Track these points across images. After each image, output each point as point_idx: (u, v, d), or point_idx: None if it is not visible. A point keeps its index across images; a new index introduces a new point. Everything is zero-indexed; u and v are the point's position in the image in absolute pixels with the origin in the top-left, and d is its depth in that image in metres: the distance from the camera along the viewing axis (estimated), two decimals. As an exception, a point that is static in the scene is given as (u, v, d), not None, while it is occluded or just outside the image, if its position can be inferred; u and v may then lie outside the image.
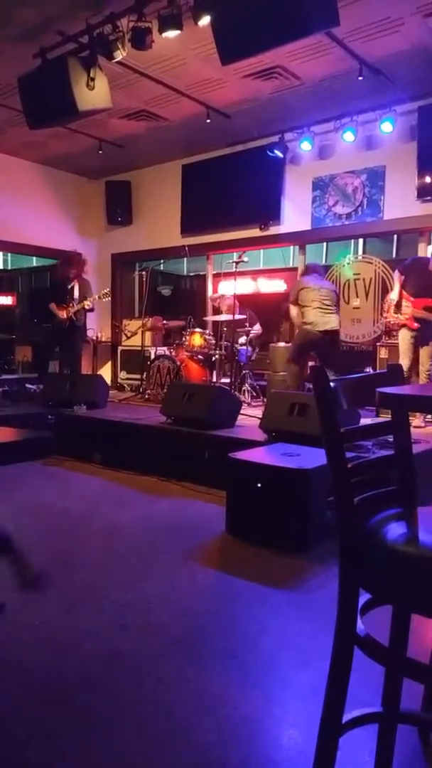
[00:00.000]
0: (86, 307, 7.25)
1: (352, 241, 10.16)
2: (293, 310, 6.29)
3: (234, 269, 6.76)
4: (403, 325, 5.69)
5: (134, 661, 2.15)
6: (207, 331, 7.32)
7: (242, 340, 7.29)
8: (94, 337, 9.28)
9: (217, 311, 7.85)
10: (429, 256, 5.76)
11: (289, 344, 7.53)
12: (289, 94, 6.39)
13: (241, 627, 2.44)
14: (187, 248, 7.70)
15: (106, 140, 7.93)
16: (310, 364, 6.91)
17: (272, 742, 1.74)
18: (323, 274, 6.67)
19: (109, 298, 7.85)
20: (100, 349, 9.48)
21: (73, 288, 7.22)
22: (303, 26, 4.20)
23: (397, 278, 5.86)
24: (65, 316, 7.11)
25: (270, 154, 7.44)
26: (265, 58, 5.42)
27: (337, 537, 1.34)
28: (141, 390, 7.55)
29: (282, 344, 7.58)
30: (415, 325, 5.60)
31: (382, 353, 6.35)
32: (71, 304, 7.13)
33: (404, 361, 5.57)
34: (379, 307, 6.79)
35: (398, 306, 5.73)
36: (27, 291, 14.34)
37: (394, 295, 5.81)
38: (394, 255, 10.49)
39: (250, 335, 7.38)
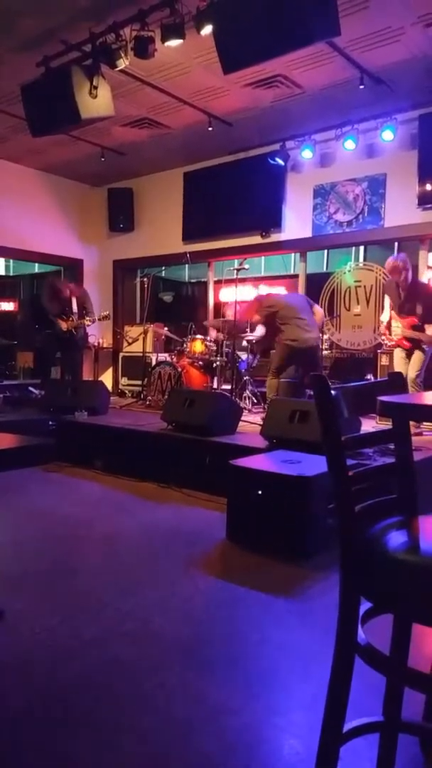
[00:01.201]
0: (87, 324, 7.28)
1: (353, 248, 10.21)
2: (260, 330, 6.38)
3: (235, 276, 6.78)
4: (398, 345, 5.82)
5: (135, 668, 2.14)
6: (208, 338, 7.33)
7: (244, 344, 7.27)
8: (96, 344, 9.29)
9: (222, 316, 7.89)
10: (390, 275, 5.83)
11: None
12: (291, 102, 6.42)
13: (241, 635, 2.43)
14: (188, 255, 7.73)
15: (108, 148, 7.97)
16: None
17: (273, 751, 1.73)
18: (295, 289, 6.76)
19: (109, 320, 7.80)
20: (101, 355, 9.49)
21: (71, 301, 7.23)
22: (304, 36, 4.23)
23: (387, 299, 6.03)
24: (65, 328, 7.12)
25: (271, 161, 7.47)
26: (267, 66, 5.45)
27: (337, 545, 1.34)
28: (142, 396, 7.55)
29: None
30: (407, 344, 5.72)
31: (383, 360, 6.35)
32: (71, 318, 7.14)
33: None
34: (377, 328, 6.85)
35: (389, 327, 5.87)
36: (29, 297, 14.39)
37: (384, 317, 5.97)
38: (395, 262, 10.51)
39: (252, 340, 7.32)
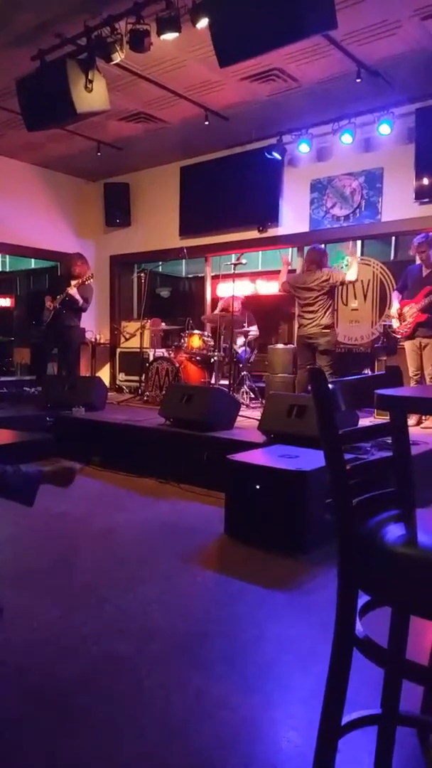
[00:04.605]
0: (70, 293, 6.92)
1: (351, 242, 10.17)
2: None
3: (232, 271, 6.77)
4: (416, 323, 5.74)
5: (134, 664, 2.14)
6: (205, 333, 7.32)
7: (240, 341, 7.29)
8: (93, 339, 9.27)
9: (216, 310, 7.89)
10: (416, 262, 5.89)
11: (288, 345, 7.56)
12: (287, 96, 6.39)
13: (240, 629, 2.44)
14: (185, 250, 7.70)
15: (104, 142, 7.93)
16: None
17: (272, 745, 1.74)
18: (316, 263, 6.36)
19: (92, 280, 7.43)
20: (98, 350, 9.47)
21: (71, 281, 7.07)
22: (300, 29, 4.20)
23: (395, 297, 6.01)
24: (50, 304, 6.97)
25: (268, 156, 7.44)
26: (263, 60, 5.42)
27: (335, 539, 1.34)
28: (139, 392, 7.54)
29: (280, 346, 7.59)
30: (425, 315, 5.69)
31: (381, 355, 6.36)
32: (57, 297, 6.98)
33: (411, 367, 5.83)
34: (375, 322, 6.84)
35: (400, 315, 5.86)
36: (25, 293, 14.34)
37: (393, 311, 5.98)
38: (392, 257, 10.51)
39: (248, 336, 7.38)
